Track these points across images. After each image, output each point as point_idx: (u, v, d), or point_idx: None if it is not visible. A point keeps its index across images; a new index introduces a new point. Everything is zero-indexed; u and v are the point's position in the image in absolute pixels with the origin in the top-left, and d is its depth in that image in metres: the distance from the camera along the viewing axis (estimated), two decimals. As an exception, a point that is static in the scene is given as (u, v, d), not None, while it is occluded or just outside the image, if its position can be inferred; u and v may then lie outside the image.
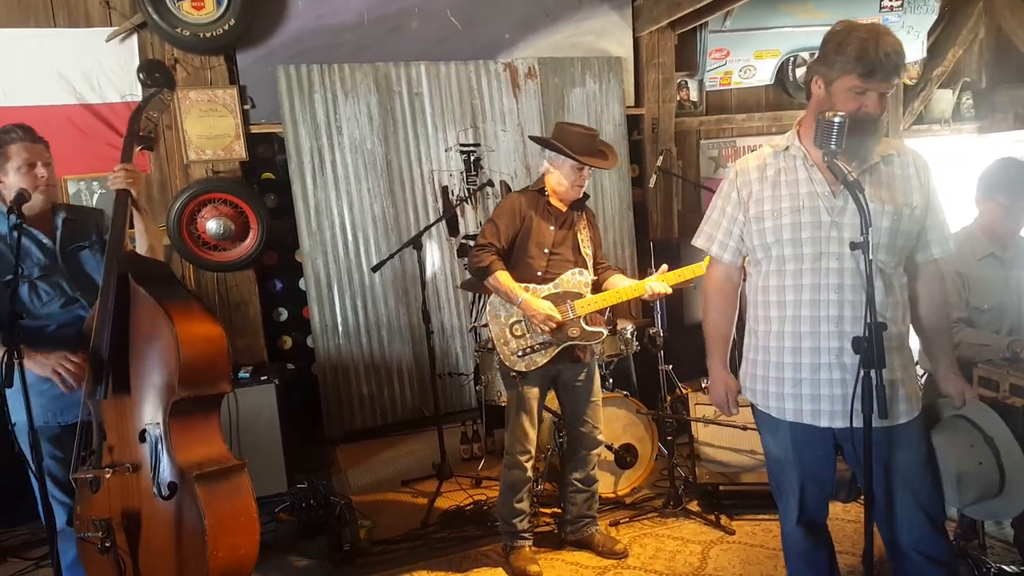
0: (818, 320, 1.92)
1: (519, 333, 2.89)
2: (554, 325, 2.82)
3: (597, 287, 3.04)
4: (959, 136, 6.09)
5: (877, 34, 1.81)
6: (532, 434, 2.94)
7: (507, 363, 2.89)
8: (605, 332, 2.98)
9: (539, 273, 2.90)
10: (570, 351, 2.92)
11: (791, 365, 1.97)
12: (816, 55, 1.96)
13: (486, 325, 3.01)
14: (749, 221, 2.02)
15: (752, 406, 2.15)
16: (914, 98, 5.94)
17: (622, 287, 2.93)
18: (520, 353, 2.88)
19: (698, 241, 2.19)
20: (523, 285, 2.87)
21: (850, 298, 1.88)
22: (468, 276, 4.30)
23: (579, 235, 2.99)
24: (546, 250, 2.91)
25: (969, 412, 2.09)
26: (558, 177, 2.91)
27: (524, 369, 2.88)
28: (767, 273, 2.01)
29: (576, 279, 2.92)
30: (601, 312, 3.79)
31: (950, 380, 2.07)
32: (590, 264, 3.00)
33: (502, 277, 2.84)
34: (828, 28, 1.98)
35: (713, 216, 2.15)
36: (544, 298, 2.87)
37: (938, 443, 2.08)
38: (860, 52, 1.79)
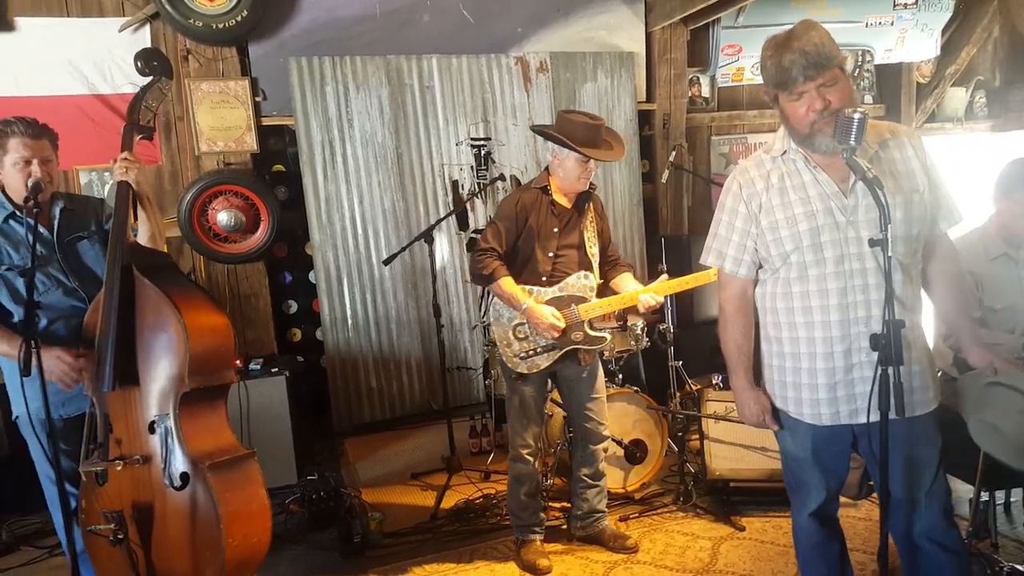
0: (848, 323, 1.90)
1: (522, 335, 2.87)
2: (557, 334, 2.80)
3: (604, 283, 3.02)
4: (972, 135, 6.05)
5: (781, 46, 1.83)
6: (533, 430, 2.94)
7: (509, 365, 2.88)
8: (609, 337, 2.96)
9: (544, 277, 2.87)
10: (573, 354, 2.90)
11: (824, 371, 1.94)
12: None
13: (488, 324, 2.98)
14: (763, 232, 1.97)
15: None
16: (927, 96, 5.91)
17: (627, 292, 2.91)
18: (523, 355, 2.86)
19: (708, 259, 2.12)
20: (527, 288, 2.84)
21: (875, 297, 1.87)
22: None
23: (585, 233, 2.92)
24: (551, 253, 2.87)
25: (1005, 379, 2.07)
26: (563, 171, 2.84)
27: (526, 371, 2.87)
28: (787, 280, 1.97)
29: (582, 283, 2.88)
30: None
31: (975, 352, 2.05)
32: (596, 265, 2.95)
33: (505, 284, 2.80)
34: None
35: (720, 232, 2.07)
36: (549, 301, 2.84)
37: (991, 418, 2.06)
38: (772, 72, 1.85)
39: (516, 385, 2.90)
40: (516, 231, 2.84)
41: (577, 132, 2.77)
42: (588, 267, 2.92)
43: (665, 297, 3.79)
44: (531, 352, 2.86)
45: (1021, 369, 2.34)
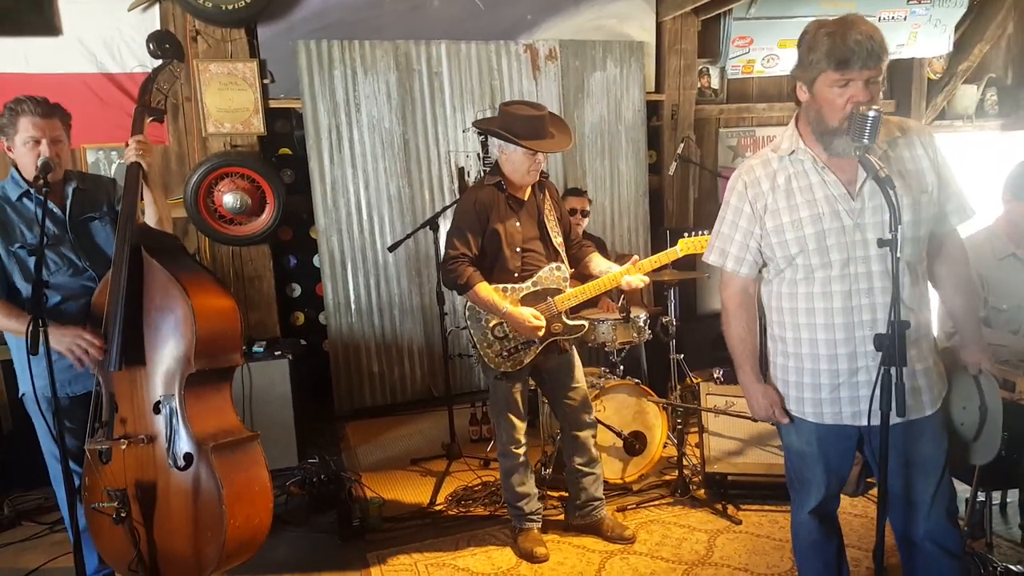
0: (852, 326, 1.89)
1: (501, 334, 2.86)
2: (542, 333, 2.80)
3: (577, 263, 3.03)
4: (982, 133, 6.02)
5: (846, 25, 1.79)
6: (520, 425, 2.96)
7: (492, 365, 2.87)
8: (587, 325, 2.97)
9: (515, 274, 2.86)
10: (553, 344, 2.91)
11: (827, 372, 1.94)
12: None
13: (466, 327, 2.97)
14: (768, 234, 1.96)
15: None
16: (937, 93, 5.87)
17: (602, 277, 2.90)
18: (505, 354, 2.86)
19: (710, 258, 2.12)
20: (501, 287, 2.83)
21: (881, 300, 1.86)
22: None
23: (547, 222, 2.91)
24: (518, 249, 2.85)
25: (980, 376, 2.09)
26: (511, 165, 2.81)
27: (511, 369, 2.86)
28: (792, 281, 1.97)
29: (554, 274, 2.88)
30: (614, 299, 3.82)
31: (972, 350, 2.05)
32: (563, 253, 2.94)
33: (482, 290, 2.78)
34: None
35: (723, 230, 2.06)
36: (524, 298, 2.84)
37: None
38: (830, 46, 1.77)
39: (500, 383, 2.90)
40: (481, 230, 2.81)
41: (520, 125, 2.74)
42: (557, 257, 2.92)
43: (671, 290, 3.83)
44: (512, 349, 2.86)
45: (1022, 373, 2.36)
